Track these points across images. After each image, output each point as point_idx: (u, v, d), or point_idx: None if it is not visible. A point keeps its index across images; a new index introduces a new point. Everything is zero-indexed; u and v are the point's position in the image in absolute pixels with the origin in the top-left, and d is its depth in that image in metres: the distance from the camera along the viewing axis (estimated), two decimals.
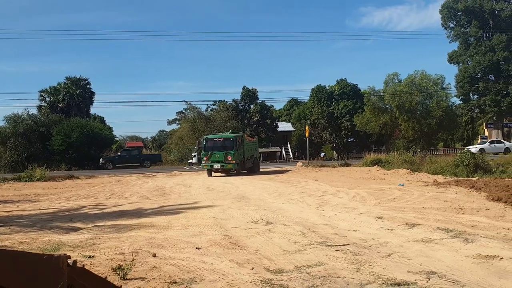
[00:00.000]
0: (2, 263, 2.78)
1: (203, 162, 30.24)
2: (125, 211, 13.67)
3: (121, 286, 4.49)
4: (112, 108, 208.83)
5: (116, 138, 69.55)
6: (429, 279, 5.74)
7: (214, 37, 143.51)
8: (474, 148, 44.02)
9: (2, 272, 2.78)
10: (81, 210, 14.44)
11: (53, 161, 47.56)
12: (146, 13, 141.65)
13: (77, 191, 21.35)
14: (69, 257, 3.29)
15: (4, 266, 2.77)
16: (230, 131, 36.98)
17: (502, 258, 6.62)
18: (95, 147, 50.83)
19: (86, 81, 63.43)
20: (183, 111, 63.66)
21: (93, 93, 64.19)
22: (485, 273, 5.96)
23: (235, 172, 30.38)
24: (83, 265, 3.60)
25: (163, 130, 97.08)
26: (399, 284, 5.52)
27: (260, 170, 34.55)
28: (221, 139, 30.76)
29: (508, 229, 8.84)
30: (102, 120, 70.70)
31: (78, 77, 62.95)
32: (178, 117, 66.19)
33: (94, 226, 10.94)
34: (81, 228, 10.66)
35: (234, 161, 29.36)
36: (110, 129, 66.71)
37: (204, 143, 30.46)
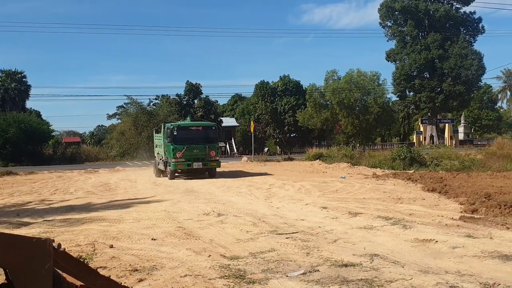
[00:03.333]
0: (1, 245, 3.02)
1: (173, 161, 21.61)
2: (74, 206, 13.62)
3: (96, 268, 4.77)
4: (49, 102, 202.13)
5: (53, 133, 67.57)
6: (373, 260, 6.33)
7: (154, 31, 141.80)
8: None
9: (2, 253, 3.03)
10: (27, 206, 14.25)
11: None
12: (82, 3, 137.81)
13: (18, 187, 20.85)
14: (53, 240, 3.59)
15: (3, 247, 3.01)
16: (189, 118, 28.62)
17: (437, 241, 7.32)
18: (33, 143, 49.25)
19: (22, 74, 61.31)
20: (124, 106, 62.67)
21: (29, 87, 62.10)
22: (422, 255, 6.61)
23: (207, 173, 23.08)
24: (64, 249, 3.88)
25: (102, 125, 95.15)
26: (346, 265, 6.07)
27: None
28: (200, 128, 23.38)
29: (442, 216, 9.65)
30: (38, 114, 68.42)
31: (13, 70, 60.77)
32: (118, 112, 65.07)
33: (44, 220, 10.92)
34: (31, 223, 10.63)
35: (218, 158, 23.03)
36: (47, 124, 64.78)
37: (175, 133, 21.93)
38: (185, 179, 22.23)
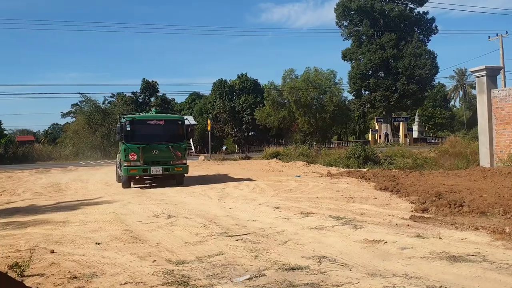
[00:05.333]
0: None
1: (125, 164, 17.16)
2: (19, 208, 13.12)
3: (22, 280, 4.48)
4: (1, 100, 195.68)
5: (5, 132, 65.40)
6: (320, 263, 6.21)
7: (108, 27, 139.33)
8: None
9: None
10: None
11: None
12: None
13: None
14: None
15: None
16: (154, 109, 23.39)
17: (386, 242, 7.28)
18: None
19: None
20: (79, 104, 61.35)
21: None
22: (371, 256, 6.54)
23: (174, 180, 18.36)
24: None
25: (57, 124, 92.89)
26: (293, 269, 5.93)
27: None
28: (162, 122, 18.07)
29: (393, 215, 9.66)
30: None
31: None
32: (73, 110, 63.67)
33: None
34: None
35: (185, 161, 18.08)
36: None
37: (128, 128, 17.37)
38: (147, 188, 17.91)
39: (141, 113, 24.83)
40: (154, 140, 17.55)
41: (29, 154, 52.14)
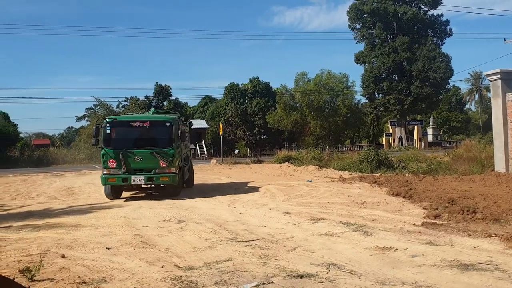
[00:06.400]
0: None
1: (104, 172, 15.20)
2: (32, 212, 13.21)
3: (29, 287, 4.50)
4: (18, 104, 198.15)
5: (21, 135, 66.15)
6: (329, 270, 6.16)
7: (122, 32, 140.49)
8: None
9: None
10: None
11: None
12: (51, 4, 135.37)
13: None
14: None
15: None
16: (153, 109, 21.35)
17: (396, 249, 7.21)
18: None
19: None
20: (93, 108, 61.87)
21: None
22: (381, 264, 6.48)
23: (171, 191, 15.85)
24: None
25: (72, 127, 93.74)
26: (301, 276, 5.89)
27: None
28: (147, 124, 15.56)
29: (404, 222, 9.58)
30: (6, 116, 66.98)
31: None
32: (87, 114, 64.21)
33: None
34: None
35: (174, 169, 15.27)
36: (15, 126, 63.36)
37: (108, 131, 15.35)
38: (139, 198, 15.66)
39: (148, 111, 21.76)
40: (137, 144, 15.35)
41: (44, 158, 52.61)
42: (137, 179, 15.01)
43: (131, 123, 15.69)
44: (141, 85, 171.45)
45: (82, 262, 7.01)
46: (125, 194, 16.62)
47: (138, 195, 16.77)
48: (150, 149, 15.10)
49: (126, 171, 14.99)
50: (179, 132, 15.54)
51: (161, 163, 14.97)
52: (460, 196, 12.03)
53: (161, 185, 15.77)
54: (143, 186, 15.81)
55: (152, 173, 15.04)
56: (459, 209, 10.08)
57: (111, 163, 15.02)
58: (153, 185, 16.01)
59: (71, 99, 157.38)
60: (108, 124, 15.41)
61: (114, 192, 15.74)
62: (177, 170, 15.43)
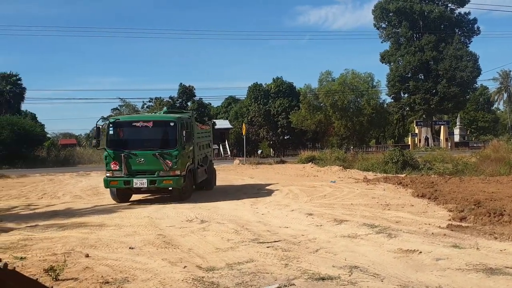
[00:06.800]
0: None
1: (107, 174, 14.63)
2: (58, 211, 13.42)
3: (52, 287, 4.56)
4: (45, 105, 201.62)
5: (48, 135, 67.23)
6: (351, 273, 6.11)
7: (146, 33, 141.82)
8: None
9: None
10: (12, 211, 14.05)
11: None
12: (75, 6, 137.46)
13: (8, 190, 20.56)
14: (0, 260, 3.37)
15: None
16: (166, 108, 21.01)
17: (420, 252, 7.11)
18: (27, 145, 48.90)
19: (17, 77, 61.13)
20: (118, 108, 62.57)
21: (24, 89, 61.97)
22: (404, 267, 6.40)
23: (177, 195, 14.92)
24: (14, 267, 3.67)
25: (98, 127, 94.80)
26: (323, 279, 5.85)
27: None
28: (150, 124, 14.85)
29: (429, 224, 9.44)
30: (34, 117, 68.21)
31: (8, 73, 60.55)
32: (113, 114, 64.93)
33: (26, 226, 10.74)
34: (13, 229, 10.46)
35: (178, 172, 14.34)
36: (42, 126, 64.45)
37: (111, 131, 14.75)
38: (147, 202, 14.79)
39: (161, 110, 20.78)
40: (140, 145, 14.60)
41: (71, 157, 53.24)
42: (140, 182, 14.22)
43: (134, 124, 14.96)
44: (165, 86, 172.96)
45: (106, 262, 7.08)
46: (136, 197, 15.98)
47: (150, 197, 16.20)
48: (153, 151, 14.32)
49: (127, 174, 14.23)
50: (184, 132, 14.54)
51: (167, 163, 14.09)
52: (487, 198, 11.82)
53: (169, 188, 14.83)
54: (142, 190, 14.91)
55: (155, 175, 14.24)
56: (485, 212, 9.89)
57: (114, 165, 14.38)
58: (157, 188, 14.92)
59: (97, 99, 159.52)
60: (111, 125, 14.82)
61: (121, 195, 15.11)
62: (182, 173, 14.47)
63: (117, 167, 14.31)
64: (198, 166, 16.39)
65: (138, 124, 14.81)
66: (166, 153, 14.22)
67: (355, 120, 48.98)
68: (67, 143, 68.15)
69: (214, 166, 19.86)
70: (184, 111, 21.48)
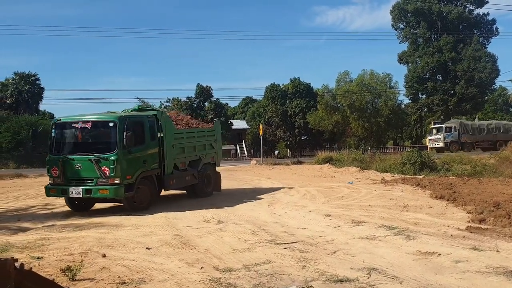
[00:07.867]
0: None
1: (49, 181, 13.21)
2: (75, 211, 13.47)
3: (68, 287, 4.57)
4: (63, 105, 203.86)
5: None
6: (370, 275, 6.04)
7: (163, 33, 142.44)
8: None
9: None
10: (29, 210, 14.17)
11: (1, 159, 46.03)
12: (93, 6, 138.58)
13: (26, 190, 20.76)
14: (16, 260, 3.38)
15: None
16: (135, 105, 19.38)
17: (440, 254, 7.01)
18: (45, 145, 49.47)
19: (35, 77, 61.63)
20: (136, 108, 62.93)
21: (42, 89, 62.46)
22: (423, 269, 6.31)
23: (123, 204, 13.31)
24: (31, 268, 3.68)
25: None
26: (341, 281, 5.79)
27: None
28: (89, 125, 12.83)
29: (448, 226, 9.31)
30: (52, 116, 68.89)
31: (27, 73, 61.13)
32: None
33: (43, 226, 10.84)
34: (30, 229, 10.55)
35: (118, 180, 12.19)
36: None
37: (53, 134, 13.13)
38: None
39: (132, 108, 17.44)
40: (78, 150, 12.85)
41: None
42: (75, 191, 12.42)
43: (74, 125, 13.03)
44: (183, 86, 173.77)
45: (123, 262, 7.10)
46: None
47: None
48: (89, 155, 12.32)
49: (63, 181, 12.58)
50: (125, 134, 12.07)
51: (104, 170, 12.10)
52: (507, 200, 11.60)
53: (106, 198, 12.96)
54: (81, 200, 13.23)
55: (93, 184, 12.31)
56: (505, 214, 9.72)
57: (54, 172, 12.71)
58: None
59: (116, 99, 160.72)
60: (53, 126, 13.26)
61: (73, 203, 13.60)
62: (124, 181, 12.27)
63: (57, 174, 12.67)
64: (178, 170, 14.56)
65: (77, 125, 12.95)
66: (103, 158, 12.22)
67: (373, 121, 48.61)
68: None
69: (230, 166, 18.59)
70: (156, 109, 18.58)
